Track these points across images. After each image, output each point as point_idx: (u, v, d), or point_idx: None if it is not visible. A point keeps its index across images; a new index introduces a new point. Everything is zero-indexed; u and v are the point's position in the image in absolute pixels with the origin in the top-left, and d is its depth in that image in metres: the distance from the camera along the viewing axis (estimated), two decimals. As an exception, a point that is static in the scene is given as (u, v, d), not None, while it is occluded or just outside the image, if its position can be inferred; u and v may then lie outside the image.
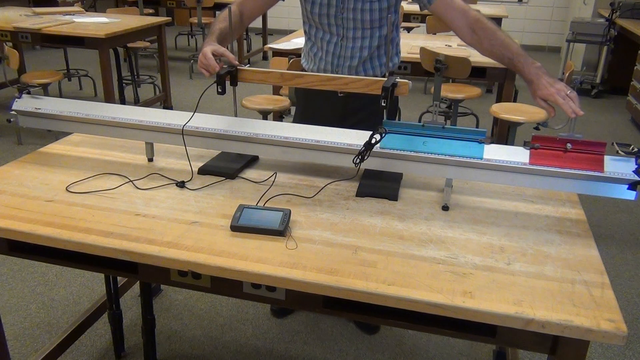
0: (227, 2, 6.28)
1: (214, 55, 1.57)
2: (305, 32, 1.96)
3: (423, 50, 3.46)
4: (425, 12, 1.86)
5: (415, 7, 5.29)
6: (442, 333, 1.16)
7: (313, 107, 2.03)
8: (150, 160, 1.73)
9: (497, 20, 5.71)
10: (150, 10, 6.66)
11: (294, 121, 1.92)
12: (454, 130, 1.47)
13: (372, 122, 1.54)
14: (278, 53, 3.64)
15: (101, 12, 5.30)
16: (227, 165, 1.66)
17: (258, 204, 1.44)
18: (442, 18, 1.73)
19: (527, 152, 1.40)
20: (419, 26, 6.01)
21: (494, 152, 1.42)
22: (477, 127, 4.79)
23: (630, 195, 1.34)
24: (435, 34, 5.08)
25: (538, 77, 1.47)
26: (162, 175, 1.63)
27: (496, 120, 4.04)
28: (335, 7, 1.79)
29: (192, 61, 6.53)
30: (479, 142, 1.44)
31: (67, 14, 4.70)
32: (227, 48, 1.65)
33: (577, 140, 1.37)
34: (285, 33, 4.98)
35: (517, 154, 1.41)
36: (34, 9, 4.83)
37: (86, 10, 5.06)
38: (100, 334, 2.30)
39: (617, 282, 2.74)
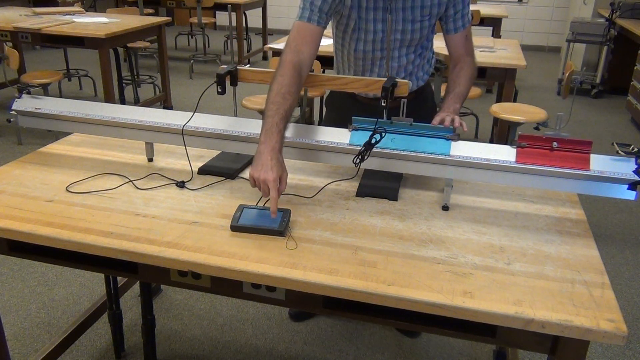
0: (227, 3, 6.20)
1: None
2: (338, 61, 1.89)
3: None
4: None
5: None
6: (442, 333, 1.16)
7: (350, 113, 1.97)
8: (150, 160, 1.74)
9: (497, 20, 5.70)
10: (150, 10, 6.67)
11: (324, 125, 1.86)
12: (422, 127, 1.47)
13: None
14: (278, 53, 3.64)
15: (101, 12, 5.30)
16: (227, 165, 1.66)
17: (258, 204, 1.44)
18: (452, 44, 1.85)
19: (514, 150, 1.40)
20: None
21: (461, 149, 1.43)
22: (477, 127, 4.79)
23: (630, 195, 1.34)
24: (435, 34, 5.06)
25: (445, 107, 1.67)
26: (162, 175, 1.63)
27: (496, 120, 4.04)
28: (381, 43, 1.74)
29: (192, 61, 6.52)
30: (447, 139, 1.45)
31: (67, 14, 4.70)
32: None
33: (563, 139, 1.38)
34: (285, 33, 4.97)
35: (503, 153, 1.41)
36: (34, 9, 4.83)
37: (86, 10, 5.06)
38: (100, 334, 2.30)
39: (617, 282, 2.74)
